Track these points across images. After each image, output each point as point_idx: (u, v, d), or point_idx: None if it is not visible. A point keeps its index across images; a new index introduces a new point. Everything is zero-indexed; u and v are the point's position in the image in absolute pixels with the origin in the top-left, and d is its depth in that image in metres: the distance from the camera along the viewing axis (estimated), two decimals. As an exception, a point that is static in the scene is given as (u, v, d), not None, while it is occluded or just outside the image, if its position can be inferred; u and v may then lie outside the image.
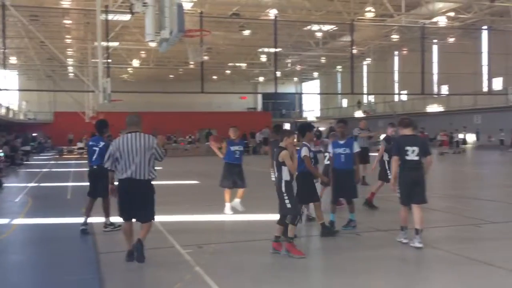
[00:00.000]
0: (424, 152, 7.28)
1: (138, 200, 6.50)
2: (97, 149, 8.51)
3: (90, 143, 8.78)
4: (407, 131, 7.41)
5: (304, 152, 7.74)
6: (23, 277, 6.36)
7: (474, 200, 11.98)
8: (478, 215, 9.87)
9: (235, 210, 10.18)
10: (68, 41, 37.06)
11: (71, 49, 40.68)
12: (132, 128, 6.58)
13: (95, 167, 8.54)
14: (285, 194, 6.79)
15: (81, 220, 9.69)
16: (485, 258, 6.49)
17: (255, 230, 8.73)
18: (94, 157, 8.55)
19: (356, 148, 8.52)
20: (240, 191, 10.33)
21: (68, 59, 41.71)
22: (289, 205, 6.78)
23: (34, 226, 9.61)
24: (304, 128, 8.12)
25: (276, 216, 8.86)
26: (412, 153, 7.18)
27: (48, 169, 24.39)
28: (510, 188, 14.38)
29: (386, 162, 10.18)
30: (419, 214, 7.15)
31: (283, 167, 6.79)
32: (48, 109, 54.97)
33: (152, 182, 6.63)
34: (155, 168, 6.69)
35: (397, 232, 7.46)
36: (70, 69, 41.59)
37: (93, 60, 33.60)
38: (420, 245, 7.02)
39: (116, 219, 8.36)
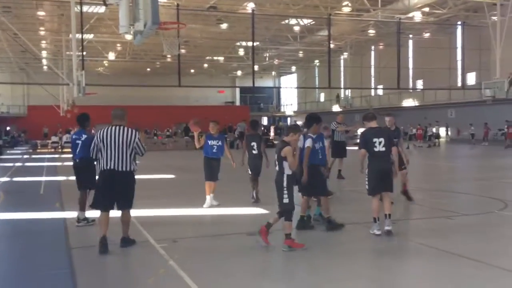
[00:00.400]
0: (390, 143, 7.57)
1: (119, 190, 6.74)
2: (80, 142, 8.49)
3: (74, 136, 8.75)
4: (373, 124, 7.70)
5: (308, 143, 7.79)
6: (-7, 273, 6.24)
7: (446, 193, 12.19)
8: (451, 207, 10.04)
9: (210, 204, 10.17)
10: (42, 33, 36.33)
11: (45, 41, 39.91)
12: (116, 121, 6.81)
13: (77, 160, 8.57)
14: (285, 189, 6.78)
15: (54, 214, 9.59)
16: (457, 250, 6.62)
17: (229, 224, 8.73)
18: (77, 150, 8.53)
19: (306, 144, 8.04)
20: (213, 184, 10.32)
21: (42, 52, 40.93)
22: (286, 200, 6.78)
23: (5, 221, 9.43)
24: (312, 120, 8.13)
25: (250, 210, 8.85)
26: (379, 144, 7.46)
27: (21, 164, 23.96)
28: (481, 181, 14.67)
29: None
30: (388, 201, 7.59)
31: (284, 161, 6.78)
32: (22, 102, 53.95)
33: (133, 173, 6.85)
34: (136, 161, 6.89)
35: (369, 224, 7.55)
36: (44, 61, 40.81)
37: (67, 52, 33.05)
38: (389, 228, 7.42)
39: (91, 213, 8.33)
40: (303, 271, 6.11)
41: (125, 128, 6.77)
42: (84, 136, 8.46)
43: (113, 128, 6.74)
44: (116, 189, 6.75)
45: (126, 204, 6.87)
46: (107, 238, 6.70)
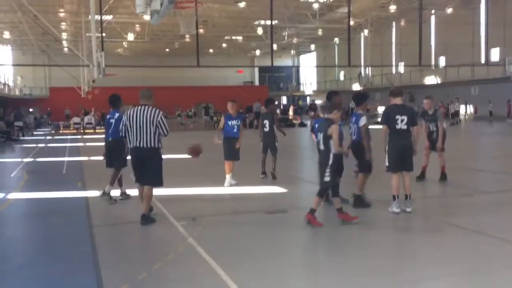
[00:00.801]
0: (412, 122, 7.46)
1: (144, 167, 7.11)
2: (113, 121, 8.74)
3: (108, 116, 9.04)
4: (397, 100, 7.58)
5: (364, 121, 7.78)
6: (18, 250, 6.41)
7: (467, 171, 12.03)
8: (471, 185, 9.92)
9: (229, 183, 10.23)
10: (62, 15, 36.56)
11: (65, 23, 40.17)
12: (143, 101, 7.20)
13: (110, 139, 8.80)
14: (329, 168, 6.72)
15: (76, 193, 9.78)
16: (476, 227, 6.56)
17: (248, 202, 8.77)
18: (110, 129, 8.77)
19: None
20: (231, 164, 10.34)
21: (62, 33, 41.23)
22: (327, 179, 6.72)
23: (29, 200, 9.64)
24: (363, 98, 8.16)
25: (268, 189, 8.86)
26: (401, 122, 7.37)
27: (44, 144, 24.37)
28: (501, 159, 14.43)
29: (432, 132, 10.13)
30: (408, 181, 7.51)
31: (331, 140, 6.70)
32: (44, 84, 54.64)
33: (158, 150, 7.15)
34: (161, 142, 7.20)
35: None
36: (65, 43, 41.14)
37: (87, 34, 33.23)
38: (410, 209, 7.37)
39: (115, 192, 8.50)
40: (319, 248, 6.13)
41: (150, 108, 7.09)
42: (117, 115, 8.66)
43: (139, 107, 7.11)
44: (142, 166, 7.11)
45: (150, 180, 7.13)
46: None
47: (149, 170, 7.13)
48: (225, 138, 10.32)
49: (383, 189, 8.15)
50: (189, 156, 8.42)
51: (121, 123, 7.35)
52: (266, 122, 10.94)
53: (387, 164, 7.58)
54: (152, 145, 7.08)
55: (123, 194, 9.04)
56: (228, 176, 10.30)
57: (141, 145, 7.06)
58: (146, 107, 7.12)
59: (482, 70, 36.10)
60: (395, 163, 7.46)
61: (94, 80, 35.88)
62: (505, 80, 31.58)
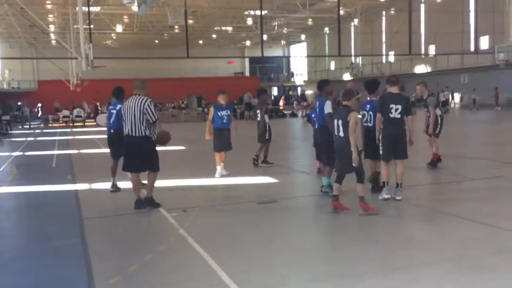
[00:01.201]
0: (406, 111, 7.50)
1: (136, 154, 7.35)
2: (114, 111, 8.86)
3: (110, 107, 9.22)
4: (394, 89, 7.59)
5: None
6: (8, 243, 6.36)
7: (456, 158, 12.09)
8: (461, 172, 9.98)
9: (221, 174, 10.22)
10: (49, 6, 36.10)
11: (52, 15, 39.68)
12: (136, 91, 7.45)
13: (112, 131, 8.93)
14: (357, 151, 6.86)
15: (66, 186, 9.74)
16: (465, 214, 6.60)
17: (239, 193, 8.76)
18: (112, 120, 8.90)
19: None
20: (223, 155, 10.34)
21: (49, 26, 40.75)
22: (355, 164, 6.76)
23: (18, 194, 9.57)
24: (376, 85, 8.24)
25: (259, 179, 8.85)
26: (395, 111, 7.40)
27: (33, 138, 24.18)
28: (490, 146, 14.53)
29: (438, 117, 10.20)
30: (401, 169, 7.54)
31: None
32: (32, 77, 54.08)
33: (149, 138, 7.33)
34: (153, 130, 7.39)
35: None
36: (52, 36, 40.69)
37: (75, 26, 32.88)
38: (400, 198, 7.47)
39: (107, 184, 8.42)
40: (310, 236, 6.14)
41: (139, 97, 7.31)
42: (119, 106, 8.66)
43: (131, 98, 7.39)
44: (133, 153, 7.37)
45: (144, 166, 7.43)
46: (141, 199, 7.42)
47: (142, 157, 7.35)
48: (215, 130, 10.32)
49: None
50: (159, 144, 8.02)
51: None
52: (258, 112, 11.19)
53: (381, 152, 7.63)
54: (141, 133, 7.25)
55: (114, 186, 9.00)
56: (219, 167, 10.29)
57: (132, 133, 7.29)
58: (137, 96, 7.34)
59: (471, 58, 36.23)
60: (388, 150, 7.52)
61: (79, 75, 35.56)
62: (494, 68, 31.77)
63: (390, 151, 7.52)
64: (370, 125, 7.98)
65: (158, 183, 9.18)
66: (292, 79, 66.02)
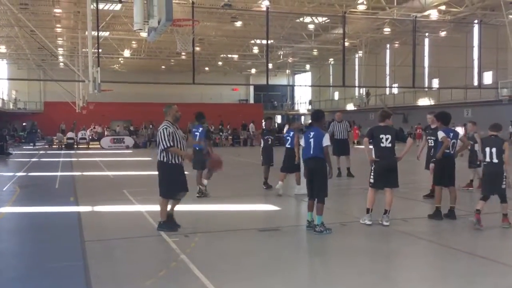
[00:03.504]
0: (398, 139, 7.95)
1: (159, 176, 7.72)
2: (197, 133, 10.80)
3: (193, 129, 11.16)
4: (382, 123, 7.96)
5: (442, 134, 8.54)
6: (7, 264, 6.36)
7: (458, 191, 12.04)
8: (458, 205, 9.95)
9: (221, 200, 10.25)
10: (59, 30, 36.71)
11: (61, 39, 40.30)
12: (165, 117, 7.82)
13: (197, 148, 10.42)
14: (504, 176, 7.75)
15: (69, 208, 9.76)
16: (464, 248, 6.59)
17: (240, 220, 8.75)
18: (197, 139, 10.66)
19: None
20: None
21: (58, 49, 41.33)
22: (504, 186, 7.71)
23: (21, 214, 9.59)
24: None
25: (261, 207, 8.88)
26: (386, 140, 7.75)
27: (38, 159, 24.27)
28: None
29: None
30: (390, 196, 7.84)
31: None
32: (38, 99, 54.53)
33: (164, 163, 7.61)
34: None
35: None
36: (61, 58, 41.22)
37: (83, 49, 33.34)
38: (387, 224, 7.73)
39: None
40: (311, 266, 6.12)
41: (162, 123, 7.68)
42: (201, 129, 10.86)
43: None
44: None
45: (160, 190, 7.69)
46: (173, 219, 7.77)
47: (159, 181, 7.70)
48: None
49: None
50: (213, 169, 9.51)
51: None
52: (268, 138, 12.54)
53: (371, 180, 7.90)
54: (159, 158, 7.63)
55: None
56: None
57: (158, 158, 7.71)
58: (163, 122, 7.72)
59: (474, 93, 36.49)
60: (379, 180, 7.82)
61: (85, 98, 35.88)
62: (497, 103, 31.94)
63: (381, 181, 7.82)
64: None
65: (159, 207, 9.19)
66: (296, 108, 66.39)
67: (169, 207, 7.74)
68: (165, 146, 7.47)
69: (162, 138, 7.51)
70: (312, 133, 7.58)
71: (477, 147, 11.38)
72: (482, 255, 6.24)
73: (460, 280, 5.32)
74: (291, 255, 6.51)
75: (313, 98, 63.97)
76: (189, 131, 12.21)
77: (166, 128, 7.51)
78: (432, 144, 10.32)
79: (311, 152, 7.51)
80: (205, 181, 10.89)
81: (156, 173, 7.71)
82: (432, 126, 10.46)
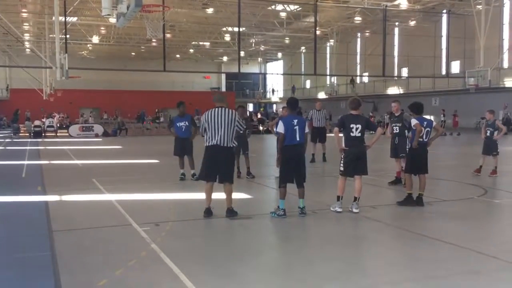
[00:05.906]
0: (368, 128, 8.11)
1: (221, 164, 7.66)
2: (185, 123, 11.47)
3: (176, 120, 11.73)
4: (354, 112, 8.07)
5: (415, 121, 8.59)
6: (-27, 255, 6.19)
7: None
8: (432, 193, 10.17)
9: (195, 188, 10.20)
10: (25, 15, 35.68)
11: (28, 24, 39.20)
12: (218, 104, 7.76)
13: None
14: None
15: (36, 198, 9.57)
16: (433, 234, 6.74)
17: (213, 208, 8.71)
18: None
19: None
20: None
21: (24, 34, 40.20)
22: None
23: (-14, 204, 9.33)
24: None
25: (233, 195, 8.90)
26: (356, 130, 7.91)
27: (3, 147, 23.65)
28: (462, 168, 14.88)
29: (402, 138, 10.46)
30: (360, 184, 8.02)
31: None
32: (4, 85, 53.09)
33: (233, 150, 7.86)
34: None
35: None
36: (27, 44, 40.13)
37: (50, 35, 32.53)
38: (357, 211, 7.89)
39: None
40: (282, 254, 6.17)
41: (227, 110, 7.68)
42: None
43: (217, 110, 7.65)
44: (218, 163, 7.63)
45: (227, 177, 7.71)
46: (212, 208, 7.78)
47: (226, 167, 7.71)
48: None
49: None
50: None
51: (200, 124, 8.02)
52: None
53: (341, 169, 8.05)
54: (230, 144, 7.66)
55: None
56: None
57: (220, 144, 7.59)
58: (223, 109, 7.69)
59: (443, 82, 37.19)
60: (349, 168, 7.99)
61: (52, 85, 35.07)
62: (465, 92, 32.62)
63: (351, 169, 7.98)
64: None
65: (130, 197, 9.11)
66: (268, 96, 66.45)
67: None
68: (243, 128, 8.16)
69: (239, 122, 7.85)
70: (295, 120, 7.79)
71: (496, 134, 12.32)
72: (449, 241, 6.38)
73: (428, 266, 5.43)
74: (262, 243, 6.54)
75: (285, 87, 64.13)
76: (172, 122, 12.27)
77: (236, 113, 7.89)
78: (397, 131, 10.50)
79: (297, 139, 7.75)
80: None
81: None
82: (396, 114, 10.62)
